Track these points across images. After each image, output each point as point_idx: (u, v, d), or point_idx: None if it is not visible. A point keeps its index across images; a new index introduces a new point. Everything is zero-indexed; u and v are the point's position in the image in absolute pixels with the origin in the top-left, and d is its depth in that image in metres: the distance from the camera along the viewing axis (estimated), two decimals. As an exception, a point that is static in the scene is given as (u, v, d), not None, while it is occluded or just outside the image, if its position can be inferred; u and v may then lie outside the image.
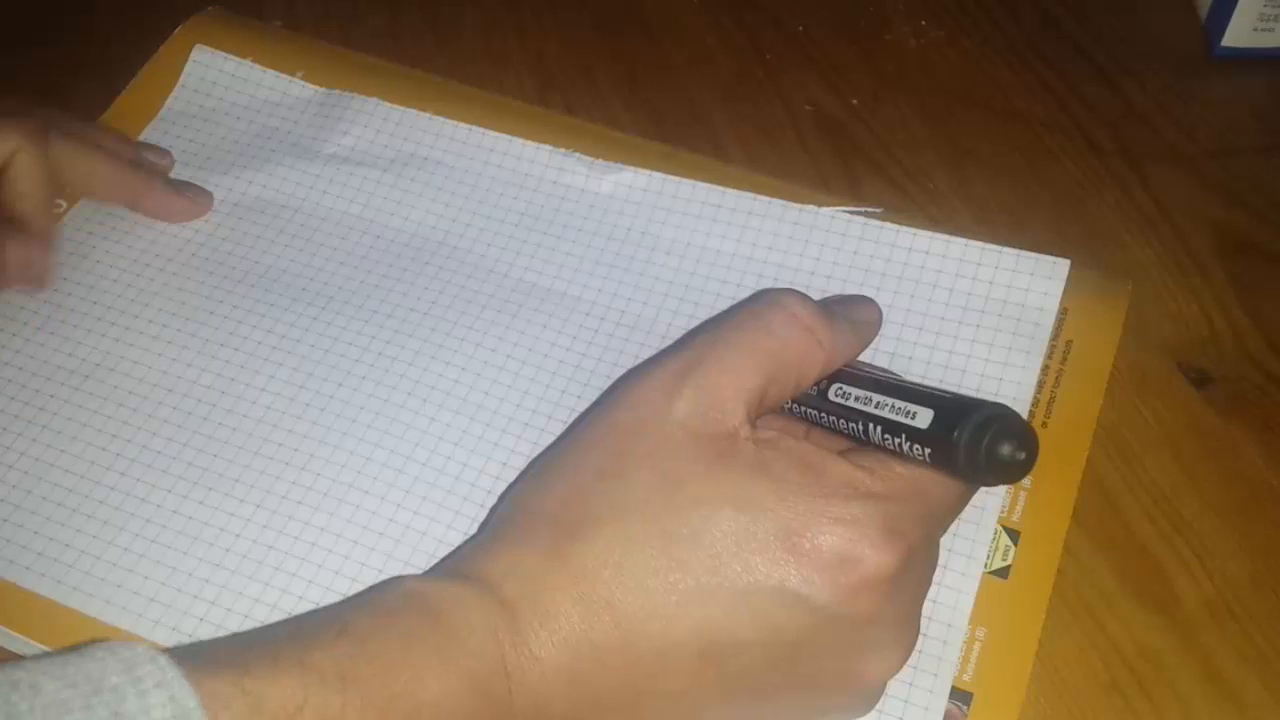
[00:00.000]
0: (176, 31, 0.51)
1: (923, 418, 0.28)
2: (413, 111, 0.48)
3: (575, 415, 0.39)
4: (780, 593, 0.27)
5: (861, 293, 0.41)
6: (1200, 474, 0.40)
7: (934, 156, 0.50)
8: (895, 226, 0.42)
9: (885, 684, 0.31)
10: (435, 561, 0.35)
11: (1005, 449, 0.27)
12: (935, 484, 0.29)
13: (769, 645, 0.28)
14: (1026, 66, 0.54)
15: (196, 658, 0.24)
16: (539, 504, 0.30)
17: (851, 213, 0.43)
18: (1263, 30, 0.52)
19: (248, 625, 0.34)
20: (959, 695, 0.33)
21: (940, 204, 0.48)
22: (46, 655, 0.24)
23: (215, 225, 0.45)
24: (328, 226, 0.45)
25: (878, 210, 0.43)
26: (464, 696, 0.26)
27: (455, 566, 0.30)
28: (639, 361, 0.40)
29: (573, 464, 0.30)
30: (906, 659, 0.30)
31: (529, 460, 0.38)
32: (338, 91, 0.49)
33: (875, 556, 0.28)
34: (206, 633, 0.34)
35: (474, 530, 0.36)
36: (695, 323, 0.41)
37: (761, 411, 0.31)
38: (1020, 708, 0.33)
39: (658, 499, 0.28)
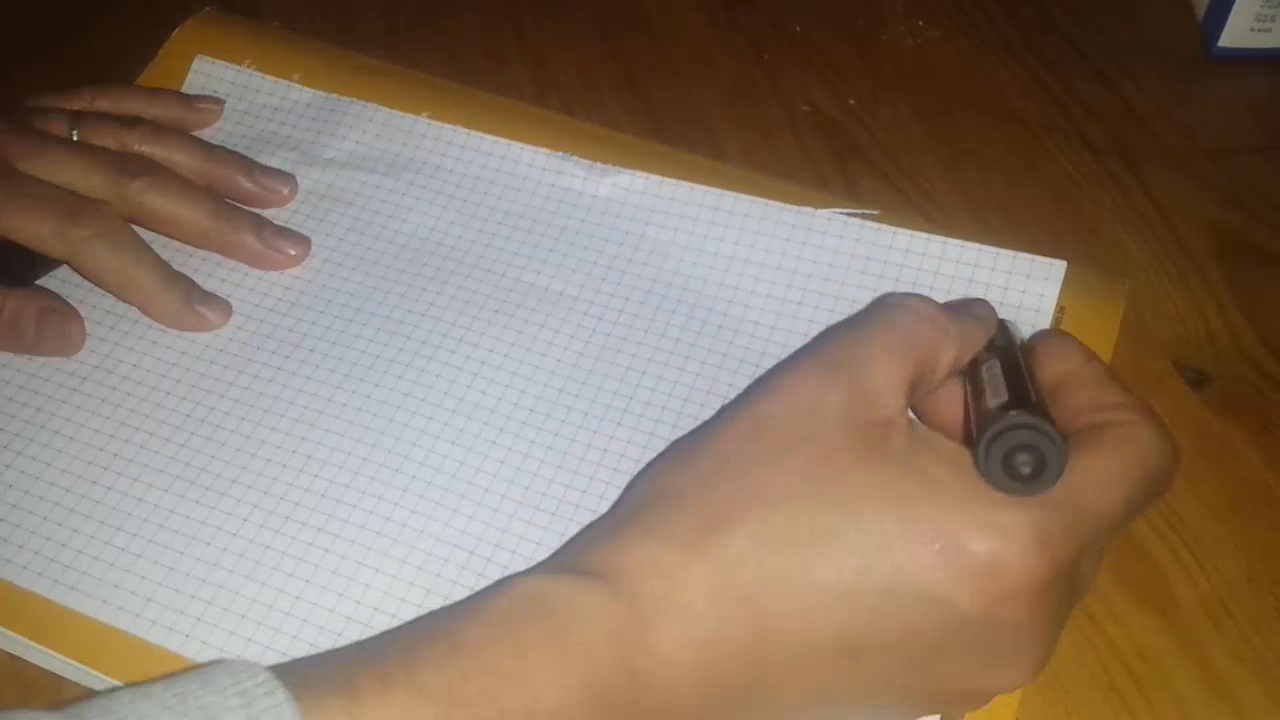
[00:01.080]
0: (174, 34, 0.51)
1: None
2: (411, 116, 0.48)
3: (573, 414, 0.39)
4: (924, 596, 0.27)
5: (859, 294, 0.41)
6: (1197, 474, 0.40)
7: (931, 157, 0.50)
8: (892, 228, 0.42)
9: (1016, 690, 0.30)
10: (432, 559, 0.35)
11: (1014, 461, 0.27)
12: (1090, 495, 0.28)
13: (907, 647, 0.27)
14: (1024, 67, 0.54)
15: (306, 682, 0.24)
16: (674, 490, 0.29)
17: (848, 215, 0.43)
18: (1260, 30, 0.52)
19: (245, 624, 0.34)
20: (956, 695, 0.33)
21: (938, 204, 0.48)
22: (168, 681, 0.24)
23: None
24: (325, 228, 0.45)
25: (874, 212, 0.43)
26: (584, 704, 0.26)
27: (578, 558, 0.28)
28: (638, 361, 0.40)
29: (717, 451, 0.29)
30: (1039, 673, 0.29)
31: (526, 458, 0.38)
32: (336, 96, 0.49)
33: (1023, 565, 0.27)
34: (204, 632, 0.34)
35: (471, 528, 0.36)
36: (694, 323, 0.41)
37: (911, 407, 0.31)
38: (1017, 708, 0.33)
39: (806, 492, 0.28)
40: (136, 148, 0.44)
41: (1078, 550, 0.28)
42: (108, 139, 0.44)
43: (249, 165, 0.45)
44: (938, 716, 0.31)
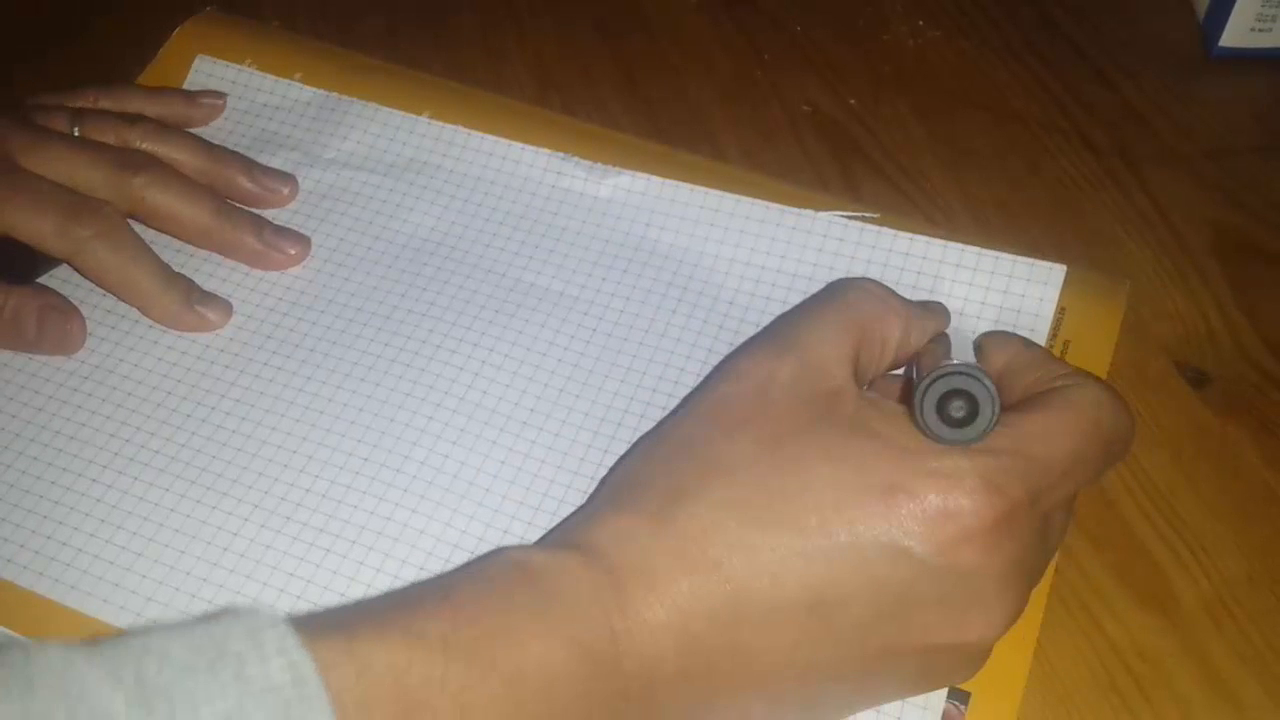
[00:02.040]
0: (175, 34, 0.51)
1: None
2: (412, 116, 0.48)
3: (573, 414, 0.39)
4: (882, 546, 0.28)
5: None
6: (1198, 474, 0.40)
7: (932, 157, 0.50)
8: (892, 231, 0.42)
9: (991, 646, 0.30)
10: (432, 559, 0.36)
11: (948, 407, 0.28)
12: (1036, 442, 0.29)
13: (875, 599, 0.28)
14: (1024, 67, 0.54)
15: (309, 624, 0.25)
16: (643, 473, 0.31)
17: (849, 217, 0.43)
18: (1260, 30, 0.52)
19: (246, 625, 0.34)
20: (957, 695, 0.33)
21: (938, 204, 0.48)
22: (178, 623, 0.25)
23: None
24: (326, 228, 0.45)
25: (875, 215, 0.43)
26: (569, 661, 0.27)
27: (560, 538, 0.30)
28: (638, 361, 0.40)
29: (676, 435, 0.31)
30: (1011, 621, 0.30)
31: (526, 458, 0.38)
32: (337, 95, 0.49)
33: (972, 507, 0.28)
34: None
35: (471, 528, 0.36)
36: (694, 323, 0.41)
37: (859, 379, 0.32)
38: (1018, 707, 0.33)
39: (761, 459, 0.29)
40: (138, 144, 0.44)
41: (1027, 495, 0.29)
42: (109, 136, 0.44)
43: (249, 165, 0.45)
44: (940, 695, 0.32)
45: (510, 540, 0.36)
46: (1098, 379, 0.32)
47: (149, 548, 0.36)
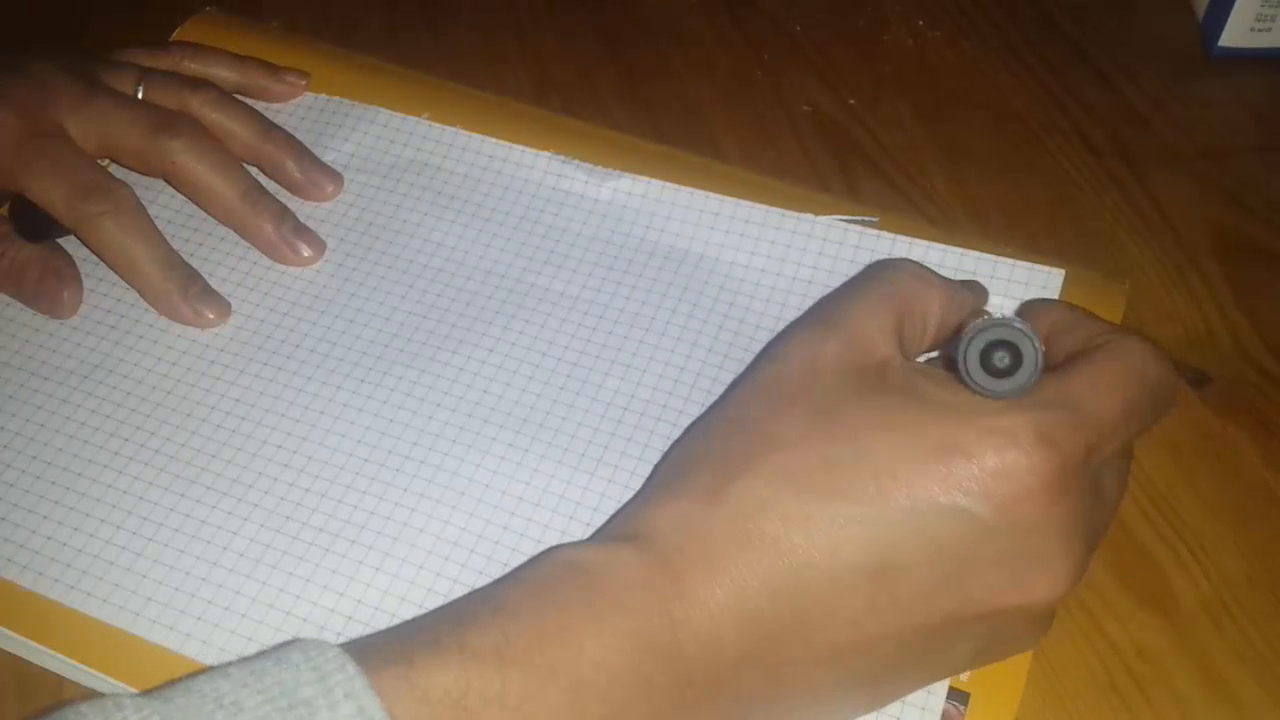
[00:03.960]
0: (176, 33, 0.51)
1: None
2: (413, 119, 0.48)
3: (573, 413, 0.39)
4: (941, 508, 0.28)
5: None
6: (1197, 473, 0.40)
7: (931, 157, 0.50)
8: (891, 235, 0.42)
9: (1053, 607, 0.30)
10: (432, 559, 0.36)
11: (991, 358, 0.28)
12: (1086, 395, 0.29)
13: (936, 562, 0.28)
14: (1024, 67, 0.54)
15: (368, 654, 0.25)
16: (692, 457, 0.31)
17: (849, 221, 0.43)
18: (1260, 30, 0.52)
19: (245, 623, 0.34)
20: (956, 695, 0.33)
21: (938, 204, 0.48)
22: (243, 661, 0.25)
23: (215, 228, 0.45)
24: (326, 230, 0.45)
25: (874, 219, 0.43)
26: (628, 656, 0.27)
27: (613, 529, 0.30)
28: (638, 360, 0.40)
29: (724, 418, 0.31)
30: (1075, 580, 0.29)
31: (526, 455, 0.38)
32: (337, 99, 0.49)
33: (1030, 464, 0.28)
34: (204, 631, 0.34)
35: (471, 526, 0.36)
36: (695, 323, 0.41)
37: (904, 354, 0.32)
38: (1017, 707, 0.33)
39: (813, 432, 0.29)
40: (197, 110, 0.44)
41: (1084, 449, 0.28)
42: (171, 99, 0.44)
43: (301, 154, 0.45)
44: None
45: (510, 538, 0.36)
46: (1141, 335, 0.32)
47: (149, 548, 0.36)
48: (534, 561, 0.29)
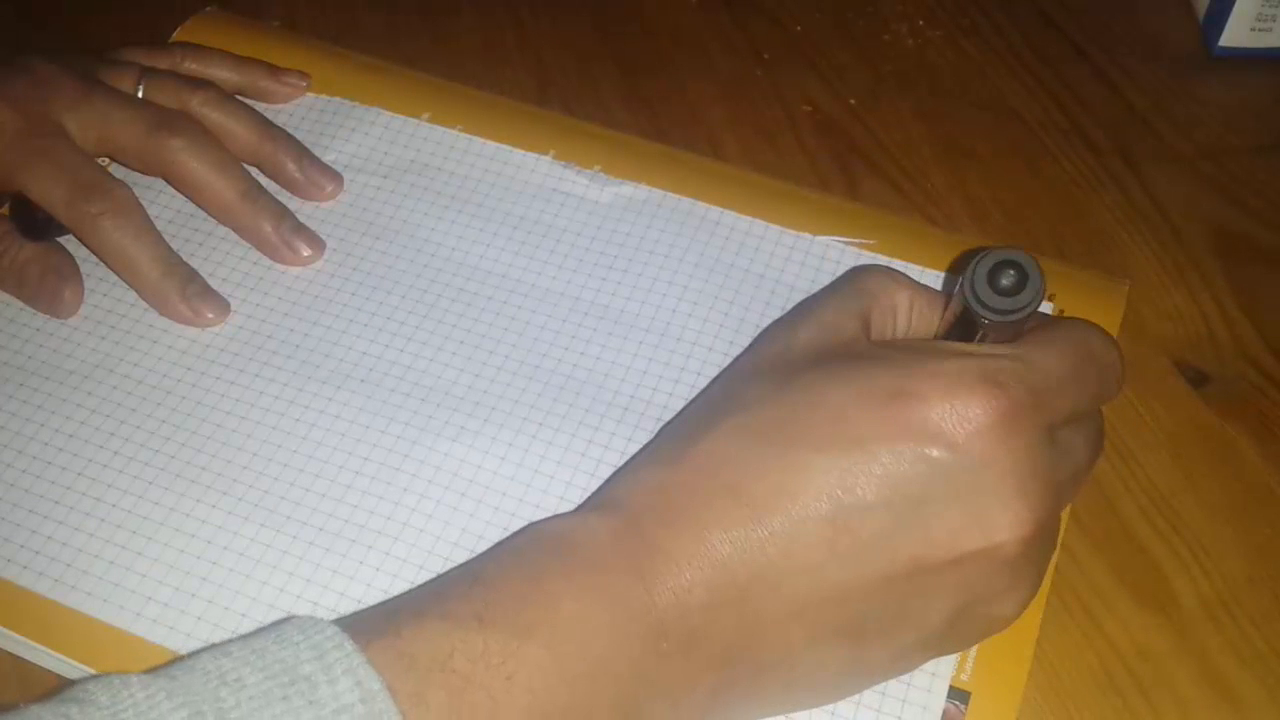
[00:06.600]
0: (175, 34, 0.51)
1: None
2: (413, 120, 0.48)
3: (573, 413, 0.39)
4: (895, 449, 0.29)
5: None
6: (1198, 473, 0.40)
7: (931, 156, 0.50)
8: (888, 259, 0.43)
9: (1026, 556, 0.29)
10: (432, 559, 0.36)
11: (998, 276, 0.29)
12: (1034, 350, 0.30)
13: (893, 503, 0.29)
14: (1024, 66, 0.54)
15: (358, 629, 0.27)
16: (666, 434, 0.33)
17: (846, 243, 0.43)
18: (1260, 30, 0.52)
19: (245, 624, 0.34)
20: (957, 694, 0.33)
21: (938, 204, 0.48)
22: (244, 639, 0.27)
23: (215, 228, 0.45)
24: (326, 230, 0.45)
25: (872, 241, 0.43)
26: (603, 609, 0.28)
27: (587, 501, 0.32)
28: (638, 360, 0.40)
29: (701, 400, 0.34)
30: (1039, 524, 0.29)
31: (526, 455, 0.38)
32: (337, 99, 0.49)
33: (977, 400, 0.28)
34: (204, 631, 0.34)
35: (472, 526, 0.36)
36: (695, 322, 0.41)
37: (871, 337, 0.33)
38: (1018, 707, 0.33)
39: (777, 393, 0.31)
40: (197, 110, 0.44)
41: (1030, 394, 0.29)
42: (170, 99, 0.44)
43: (301, 154, 0.46)
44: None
45: (510, 540, 0.36)
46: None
47: (149, 547, 0.36)
48: (510, 536, 0.31)
